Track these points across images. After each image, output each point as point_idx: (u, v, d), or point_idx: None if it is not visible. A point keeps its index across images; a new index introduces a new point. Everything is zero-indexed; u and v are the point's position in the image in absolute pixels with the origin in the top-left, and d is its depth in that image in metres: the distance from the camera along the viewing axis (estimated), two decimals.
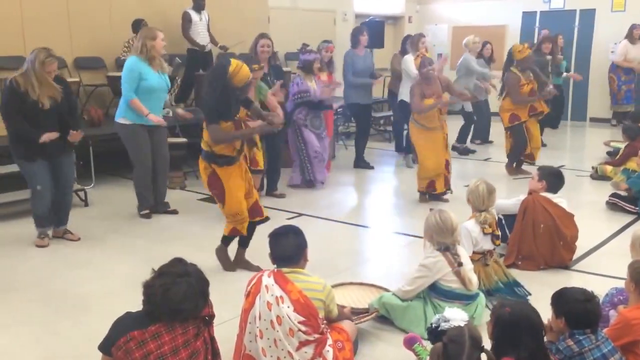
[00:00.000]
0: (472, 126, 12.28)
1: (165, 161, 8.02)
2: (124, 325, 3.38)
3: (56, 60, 6.54)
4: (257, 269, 5.80)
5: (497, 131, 11.86)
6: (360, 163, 10.99)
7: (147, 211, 7.91)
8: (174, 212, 8.06)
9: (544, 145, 12.55)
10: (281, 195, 8.93)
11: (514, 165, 10.15)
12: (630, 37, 14.42)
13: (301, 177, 9.37)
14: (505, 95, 9.88)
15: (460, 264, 4.72)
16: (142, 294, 3.38)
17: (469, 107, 11.75)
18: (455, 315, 3.50)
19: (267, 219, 6.07)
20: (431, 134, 8.12)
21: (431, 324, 3.64)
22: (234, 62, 5.48)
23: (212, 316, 3.55)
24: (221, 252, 6.15)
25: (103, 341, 3.40)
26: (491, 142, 12.94)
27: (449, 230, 4.73)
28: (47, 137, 6.47)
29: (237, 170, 5.76)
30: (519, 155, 10.06)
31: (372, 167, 10.94)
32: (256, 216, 6.00)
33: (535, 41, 13.66)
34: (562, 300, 3.68)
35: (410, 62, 9.94)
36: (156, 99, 7.54)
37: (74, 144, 6.94)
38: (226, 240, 6.11)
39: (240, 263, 6.15)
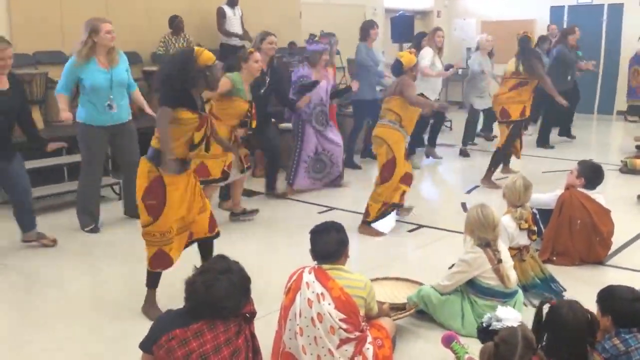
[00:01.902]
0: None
1: (131, 166, 6.93)
2: (165, 323, 3.35)
3: (9, 45, 6.04)
4: None
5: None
6: (351, 163, 10.49)
7: (92, 226, 7.18)
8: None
9: (573, 137, 12.64)
10: (282, 195, 8.63)
11: (494, 171, 9.29)
12: None
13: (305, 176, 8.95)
14: (516, 86, 8.93)
15: (500, 261, 4.66)
16: (184, 291, 3.35)
17: (478, 104, 11.34)
18: (508, 315, 3.42)
19: (218, 234, 5.26)
20: (404, 142, 7.15)
21: (482, 323, 3.57)
22: (196, 47, 4.91)
23: (253, 313, 3.52)
24: (147, 304, 5.09)
25: (144, 339, 3.38)
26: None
27: (490, 225, 4.65)
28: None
29: (184, 181, 4.89)
30: (504, 157, 9.39)
31: (359, 167, 10.52)
32: (212, 231, 5.19)
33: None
34: (610, 298, 3.65)
35: (426, 57, 9.94)
36: (106, 97, 6.84)
37: (14, 149, 6.47)
38: (153, 279, 5.05)
39: None
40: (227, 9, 11.21)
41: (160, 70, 5.20)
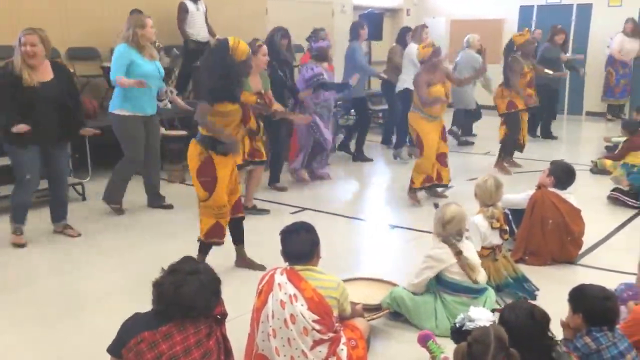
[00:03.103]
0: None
1: (156, 152, 7.77)
2: (133, 326, 3.29)
3: (34, 32, 6.11)
4: (262, 267, 5.71)
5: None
6: (360, 156, 10.95)
7: (118, 206, 7.66)
8: (169, 206, 7.86)
9: (554, 137, 13.00)
10: (282, 189, 8.83)
11: (504, 159, 10.04)
12: (625, 30, 14.44)
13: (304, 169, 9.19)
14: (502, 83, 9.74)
15: (459, 252, 4.69)
16: (152, 293, 3.28)
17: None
18: (480, 315, 3.43)
19: (242, 217, 5.90)
20: (434, 124, 7.91)
21: (455, 324, 3.58)
22: (231, 38, 5.34)
23: (224, 315, 3.48)
24: None
25: (112, 343, 3.31)
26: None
27: (447, 221, 4.72)
28: (19, 128, 6.12)
29: (230, 162, 5.52)
30: (511, 147, 9.96)
31: (371, 160, 10.95)
32: (238, 212, 5.79)
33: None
34: (581, 297, 3.65)
35: (414, 52, 9.96)
36: (148, 87, 7.18)
37: (69, 138, 6.85)
38: (205, 249, 5.64)
39: (242, 262, 5.92)
40: (190, 4, 10.78)
41: (201, 68, 5.84)
